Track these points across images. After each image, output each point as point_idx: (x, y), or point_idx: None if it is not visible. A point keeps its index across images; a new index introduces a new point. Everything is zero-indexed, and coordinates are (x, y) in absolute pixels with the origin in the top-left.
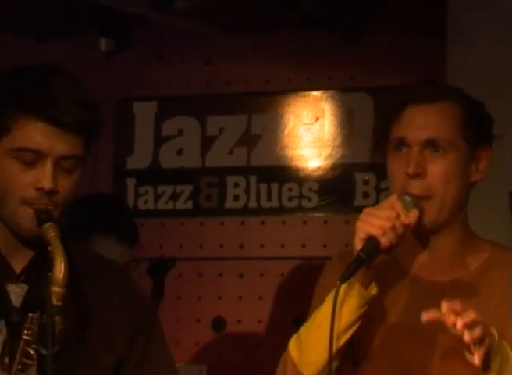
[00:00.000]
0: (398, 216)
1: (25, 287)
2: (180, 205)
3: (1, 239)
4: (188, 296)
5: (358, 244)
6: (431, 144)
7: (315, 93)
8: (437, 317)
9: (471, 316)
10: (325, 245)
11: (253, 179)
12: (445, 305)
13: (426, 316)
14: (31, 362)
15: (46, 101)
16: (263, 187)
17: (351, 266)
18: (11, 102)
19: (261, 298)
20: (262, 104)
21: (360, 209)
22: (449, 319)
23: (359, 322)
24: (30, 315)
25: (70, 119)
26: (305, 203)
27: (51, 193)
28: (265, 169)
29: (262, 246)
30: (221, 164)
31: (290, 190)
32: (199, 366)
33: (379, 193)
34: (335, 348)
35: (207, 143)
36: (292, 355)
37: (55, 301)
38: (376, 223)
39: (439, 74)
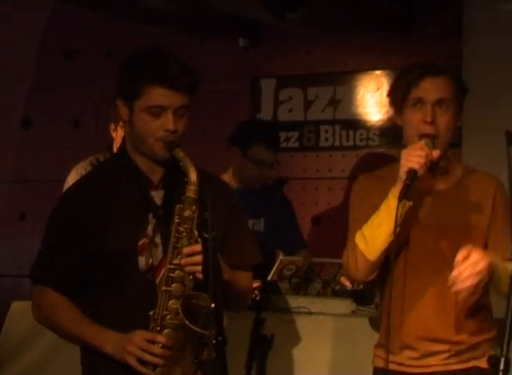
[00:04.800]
0: (427, 154)
1: (162, 192)
2: (291, 144)
3: (142, 163)
4: (295, 201)
5: (403, 175)
6: (439, 103)
7: (377, 72)
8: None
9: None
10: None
11: (337, 127)
12: (462, 253)
13: (463, 254)
14: (183, 236)
15: (162, 73)
16: (343, 132)
17: (403, 190)
18: (139, 76)
19: (342, 203)
20: (343, 79)
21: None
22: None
23: (401, 224)
24: (178, 206)
25: (179, 83)
26: (371, 142)
27: (174, 131)
28: (345, 121)
29: (343, 170)
30: (316, 118)
31: (361, 134)
32: None
33: None
34: (387, 242)
35: (307, 104)
36: (360, 246)
37: (192, 195)
38: (414, 160)
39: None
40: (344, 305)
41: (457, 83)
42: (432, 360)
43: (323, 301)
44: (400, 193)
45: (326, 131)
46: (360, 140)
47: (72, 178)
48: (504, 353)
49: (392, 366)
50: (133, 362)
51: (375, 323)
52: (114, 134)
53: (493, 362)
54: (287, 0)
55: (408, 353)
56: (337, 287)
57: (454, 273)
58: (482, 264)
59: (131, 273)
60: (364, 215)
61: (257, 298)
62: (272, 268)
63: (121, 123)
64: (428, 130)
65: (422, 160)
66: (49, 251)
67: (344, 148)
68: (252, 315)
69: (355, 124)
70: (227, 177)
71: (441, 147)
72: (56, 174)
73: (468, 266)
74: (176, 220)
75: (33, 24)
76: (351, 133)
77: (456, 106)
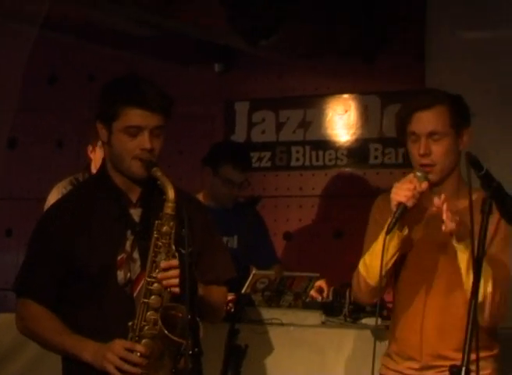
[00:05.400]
0: (415, 187)
1: (140, 210)
2: (263, 164)
3: (121, 182)
4: (267, 218)
5: (393, 208)
6: (431, 135)
7: (345, 95)
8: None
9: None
10: (351, 187)
11: (307, 148)
12: (436, 199)
13: (436, 203)
14: (161, 250)
15: (138, 95)
16: (313, 153)
17: (391, 223)
18: (117, 98)
19: (312, 220)
20: (313, 102)
21: (372, 166)
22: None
23: (398, 251)
24: (156, 222)
25: (154, 105)
26: (339, 162)
27: (150, 150)
28: (315, 142)
29: (313, 188)
30: (288, 139)
31: (330, 154)
32: None
33: (384, 156)
34: (384, 270)
35: (279, 126)
36: (361, 273)
37: (169, 212)
38: (402, 193)
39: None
40: (314, 317)
41: (453, 110)
42: (431, 373)
43: (294, 312)
44: (388, 226)
45: (297, 152)
46: (329, 160)
47: (52, 197)
48: (465, 363)
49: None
50: (112, 370)
51: (343, 334)
52: (92, 155)
53: (454, 370)
54: (260, 28)
55: (409, 364)
56: (307, 300)
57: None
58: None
59: (110, 287)
60: (374, 240)
61: (232, 310)
62: (245, 281)
63: (99, 144)
64: (424, 161)
65: (410, 193)
66: (31, 266)
67: (314, 167)
68: (227, 326)
69: (324, 145)
70: (201, 196)
71: (439, 174)
72: (41, 192)
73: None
74: (155, 235)
75: (20, 51)
76: (321, 153)
77: (452, 134)
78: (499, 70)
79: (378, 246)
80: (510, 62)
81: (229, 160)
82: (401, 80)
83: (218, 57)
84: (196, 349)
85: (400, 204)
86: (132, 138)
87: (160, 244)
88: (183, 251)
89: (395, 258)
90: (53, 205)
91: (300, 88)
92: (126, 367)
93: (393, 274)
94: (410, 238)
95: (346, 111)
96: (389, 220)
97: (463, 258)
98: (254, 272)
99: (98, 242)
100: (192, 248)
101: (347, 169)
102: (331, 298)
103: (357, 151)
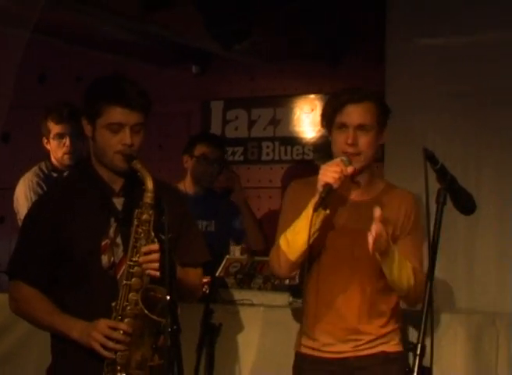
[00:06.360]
0: (342, 170)
1: (122, 199)
2: (236, 158)
3: (104, 174)
4: None
5: (320, 188)
6: (360, 127)
7: (311, 95)
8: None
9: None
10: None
11: (277, 144)
12: (377, 210)
13: (377, 212)
14: (141, 236)
15: (120, 94)
16: (282, 148)
17: (318, 202)
18: (100, 97)
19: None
20: (282, 102)
21: None
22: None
23: (319, 230)
24: (136, 210)
25: (135, 103)
26: (306, 157)
27: (131, 145)
28: (284, 138)
29: (282, 181)
30: (259, 135)
31: (298, 149)
32: None
33: None
34: (306, 245)
35: (251, 123)
36: (282, 248)
37: (149, 201)
38: (330, 175)
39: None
40: (282, 298)
41: (379, 107)
42: (345, 347)
43: (264, 294)
44: (316, 204)
45: (267, 147)
46: (297, 154)
47: (19, 188)
48: (420, 340)
49: (311, 351)
50: (97, 347)
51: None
52: (48, 146)
53: (410, 347)
54: (234, 33)
55: (325, 340)
56: (276, 282)
57: (372, 230)
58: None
59: (95, 270)
60: (291, 219)
61: (207, 291)
62: (219, 265)
63: (51, 136)
64: (350, 150)
65: (337, 175)
66: (22, 251)
67: (283, 161)
68: (202, 306)
69: (292, 141)
70: (182, 185)
71: (362, 162)
72: None
73: (380, 227)
74: (135, 223)
75: (13, 52)
76: (289, 148)
77: (377, 128)
78: (454, 74)
79: (300, 223)
80: (464, 66)
81: (201, 139)
82: (363, 82)
83: (196, 60)
84: (174, 327)
85: (326, 184)
86: (114, 134)
87: (140, 230)
88: (162, 237)
89: (316, 235)
90: (42, 195)
91: (270, 89)
92: (110, 344)
93: (309, 255)
94: (332, 222)
95: (312, 110)
96: (317, 199)
97: (386, 272)
98: (227, 257)
99: (84, 229)
100: (171, 234)
101: (313, 163)
102: (298, 281)
103: (322, 147)
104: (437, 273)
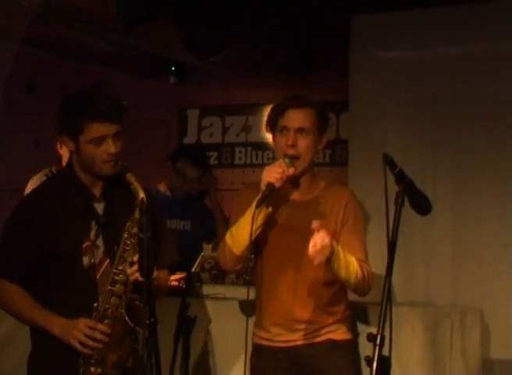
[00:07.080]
0: (284, 171)
1: (103, 204)
2: (211, 162)
3: (85, 178)
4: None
5: (263, 187)
6: (299, 130)
7: None
8: (316, 226)
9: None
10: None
11: (249, 149)
12: (315, 223)
13: (315, 225)
14: (128, 248)
15: (98, 111)
16: (254, 153)
17: (260, 199)
18: (78, 115)
19: None
20: (253, 110)
21: None
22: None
23: (262, 226)
24: (128, 223)
25: (113, 116)
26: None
27: (115, 154)
28: (255, 143)
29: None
30: (232, 141)
31: (268, 154)
32: None
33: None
34: (249, 240)
35: (225, 130)
36: (228, 242)
37: (139, 217)
38: (272, 175)
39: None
40: (253, 292)
41: (318, 114)
42: (295, 336)
43: (236, 288)
44: (258, 201)
45: (240, 152)
46: (268, 159)
47: (29, 187)
48: (380, 331)
49: (264, 342)
50: (76, 344)
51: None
52: (61, 151)
53: (371, 338)
54: (209, 46)
55: (275, 330)
56: (248, 277)
57: (311, 243)
58: (328, 239)
59: (76, 270)
60: (240, 217)
61: (183, 286)
62: (195, 262)
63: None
64: (291, 151)
65: (278, 175)
66: (6, 250)
67: (254, 165)
68: (179, 300)
69: (263, 146)
70: (162, 186)
71: (302, 165)
72: (18, 185)
73: (319, 238)
74: (125, 235)
75: (1, 63)
76: (260, 153)
77: (316, 133)
78: (412, 83)
79: (244, 219)
80: (421, 76)
81: (185, 156)
82: (329, 93)
83: (174, 71)
84: (152, 319)
85: (269, 184)
86: (98, 146)
87: (128, 242)
88: (141, 236)
89: (259, 230)
90: (26, 197)
91: (243, 98)
92: (90, 343)
93: (255, 251)
94: (275, 220)
95: None
96: (259, 197)
97: (334, 271)
98: (202, 254)
99: (66, 231)
100: (149, 233)
101: None
102: None
103: None
104: (395, 269)
